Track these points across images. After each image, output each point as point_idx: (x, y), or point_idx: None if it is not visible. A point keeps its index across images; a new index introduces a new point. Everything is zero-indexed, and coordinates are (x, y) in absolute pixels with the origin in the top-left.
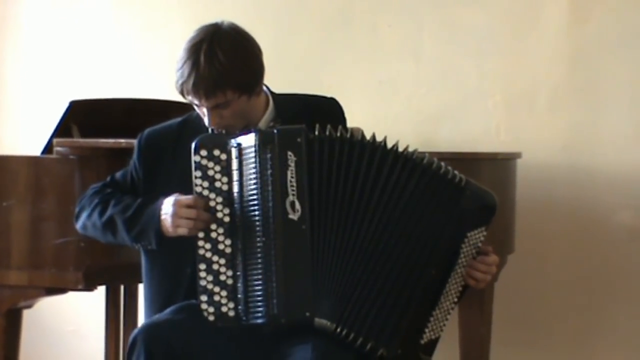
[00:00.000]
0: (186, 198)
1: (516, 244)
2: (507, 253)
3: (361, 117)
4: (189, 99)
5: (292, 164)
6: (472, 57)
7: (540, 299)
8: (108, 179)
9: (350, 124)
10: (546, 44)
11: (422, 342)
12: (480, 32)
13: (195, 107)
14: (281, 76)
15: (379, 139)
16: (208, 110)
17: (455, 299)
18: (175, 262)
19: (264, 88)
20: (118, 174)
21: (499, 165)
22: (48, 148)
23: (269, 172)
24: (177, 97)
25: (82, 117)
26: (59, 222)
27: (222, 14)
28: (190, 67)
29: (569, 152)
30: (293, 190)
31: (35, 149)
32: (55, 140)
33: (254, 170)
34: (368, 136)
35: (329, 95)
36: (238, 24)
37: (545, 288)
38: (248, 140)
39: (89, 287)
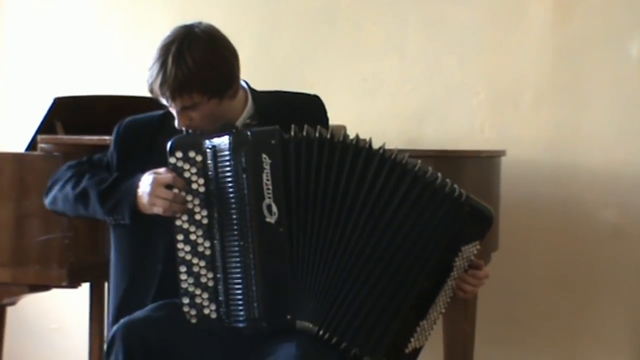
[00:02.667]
0: (165, 177)
1: (500, 242)
2: (491, 251)
3: (345, 115)
4: (158, 98)
5: (267, 167)
6: (457, 54)
7: (524, 296)
8: (85, 158)
9: (334, 121)
10: (530, 41)
11: (407, 351)
12: (465, 29)
13: (168, 107)
14: (265, 74)
15: (363, 138)
16: (177, 112)
17: (443, 310)
18: (143, 255)
19: (243, 84)
20: (96, 156)
21: (483, 163)
22: (32, 145)
23: (244, 174)
24: None
25: (66, 113)
26: (43, 219)
27: (206, 11)
28: (158, 67)
29: (553, 149)
30: (269, 192)
31: (19, 146)
32: (39, 137)
33: (229, 173)
34: (352, 135)
35: (312, 92)
36: (222, 21)
37: (529, 286)
38: (222, 142)
39: (73, 284)
